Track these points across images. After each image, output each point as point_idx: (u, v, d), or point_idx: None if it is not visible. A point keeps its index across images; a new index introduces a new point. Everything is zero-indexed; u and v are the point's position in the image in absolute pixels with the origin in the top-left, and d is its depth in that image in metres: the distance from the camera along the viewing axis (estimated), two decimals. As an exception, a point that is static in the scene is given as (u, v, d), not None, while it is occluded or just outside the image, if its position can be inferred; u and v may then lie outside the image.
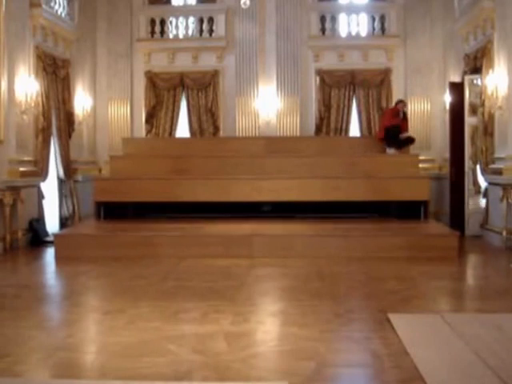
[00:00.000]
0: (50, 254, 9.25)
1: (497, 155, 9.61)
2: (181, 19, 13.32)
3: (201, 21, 13.24)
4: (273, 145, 11.51)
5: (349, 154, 11.06)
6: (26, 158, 9.83)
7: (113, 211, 10.19)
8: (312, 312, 5.28)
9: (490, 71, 9.66)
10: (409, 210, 10.01)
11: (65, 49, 11.61)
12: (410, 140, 11.32)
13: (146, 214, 10.32)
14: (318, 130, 12.90)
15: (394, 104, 11.93)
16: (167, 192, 10.06)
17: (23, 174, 9.58)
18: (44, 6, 10.42)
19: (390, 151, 11.28)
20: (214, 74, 13.10)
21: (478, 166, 10.44)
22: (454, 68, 11.90)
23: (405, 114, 11.58)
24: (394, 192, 9.95)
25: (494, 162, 9.70)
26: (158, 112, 13.19)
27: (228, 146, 11.61)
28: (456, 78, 11.44)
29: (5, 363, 3.93)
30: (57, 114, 11.13)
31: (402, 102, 11.56)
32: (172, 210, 10.35)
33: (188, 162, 10.80)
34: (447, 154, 11.27)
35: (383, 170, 10.51)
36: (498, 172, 9.33)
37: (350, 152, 11.29)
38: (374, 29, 13.03)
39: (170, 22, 13.30)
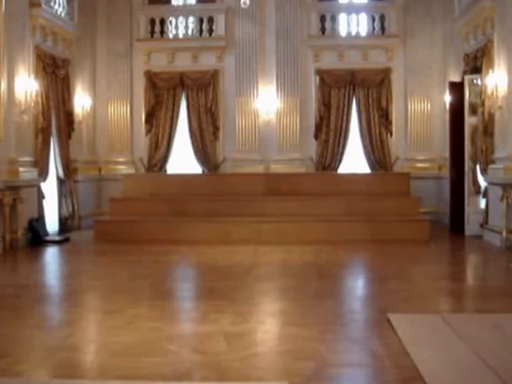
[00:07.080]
0: (49, 253, 9.26)
1: (497, 155, 9.60)
2: (180, 19, 13.31)
3: (200, 20, 13.22)
4: (273, 182, 11.40)
5: (349, 194, 10.84)
6: (25, 158, 9.82)
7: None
8: (312, 312, 5.28)
9: (490, 71, 9.65)
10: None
11: (64, 48, 11.60)
12: None
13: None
14: (318, 129, 12.89)
15: None
16: (166, 234, 10.03)
17: (23, 174, 9.57)
18: (44, 5, 10.41)
19: None
20: (214, 74, 13.09)
21: (477, 166, 10.43)
22: (453, 68, 11.90)
23: None
24: (394, 235, 9.80)
25: (493, 162, 9.69)
26: (157, 112, 13.17)
27: (228, 182, 11.57)
28: (456, 78, 11.43)
29: (5, 363, 3.93)
30: (56, 113, 11.12)
31: None
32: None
33: (188, 202, 10.80)
34: (447, 154, 11.26)
35: (384, 211, 10.35)
36: (498, 172, 9.32)
37: (351, 190, 11.04)
38: (373, 28, 13.01)
39: (170, 22, 13.29)
